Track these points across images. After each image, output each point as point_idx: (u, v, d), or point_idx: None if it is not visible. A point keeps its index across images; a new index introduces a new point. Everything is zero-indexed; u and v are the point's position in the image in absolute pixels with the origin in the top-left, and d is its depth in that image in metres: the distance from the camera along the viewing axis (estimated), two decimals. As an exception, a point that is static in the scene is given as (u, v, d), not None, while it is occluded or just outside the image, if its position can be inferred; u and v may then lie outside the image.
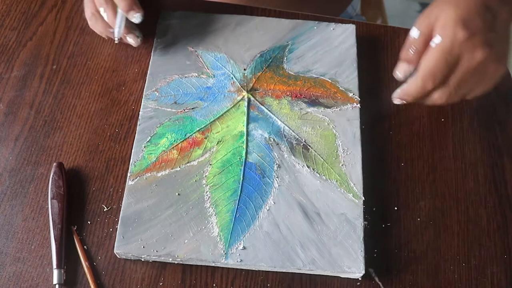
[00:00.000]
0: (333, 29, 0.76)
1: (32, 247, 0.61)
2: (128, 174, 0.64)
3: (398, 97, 0.66)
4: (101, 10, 0.71)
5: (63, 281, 0.59)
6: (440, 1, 0.64)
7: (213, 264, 0.60)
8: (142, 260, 0.60)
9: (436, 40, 0.61)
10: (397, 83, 0.75)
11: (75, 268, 0.60)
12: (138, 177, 0.64)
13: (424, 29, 0.63)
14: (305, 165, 0.66)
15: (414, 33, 0.63)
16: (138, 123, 0.68)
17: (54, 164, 0.65)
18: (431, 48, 0.62)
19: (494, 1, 0.62)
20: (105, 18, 0.71)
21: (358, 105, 0.70)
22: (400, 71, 0.65)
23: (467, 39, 0.60)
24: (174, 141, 0.67)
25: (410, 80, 0.64)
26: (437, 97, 0.64)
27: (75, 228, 0.62)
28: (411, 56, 0.64)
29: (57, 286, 0.59)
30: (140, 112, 0.69)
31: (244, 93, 0.71)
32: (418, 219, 0.65)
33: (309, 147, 0.67)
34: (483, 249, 0.64)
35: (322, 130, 0.68)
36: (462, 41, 0.60)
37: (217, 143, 0.67)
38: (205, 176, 0.64)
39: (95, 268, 0.60)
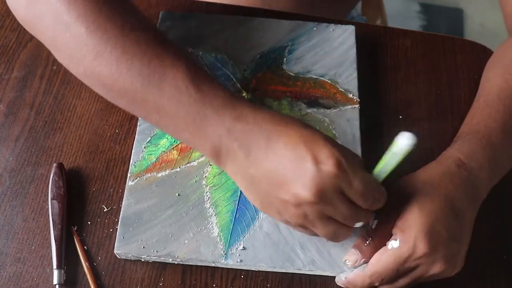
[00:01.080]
0: (332, 30, 0.77)
1: (32, 247, 0.61)
2: (128, 175, 0.64)
3: (342, 284, 0.59)
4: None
5: (63, 281, 0.59)
6: (404, 187, 0.57)
7: (213, 265, 0.60)
8: (142, 260, 0.61)
9: (394, 244, 0.54)
10: (396, 85, 0.75)
11: (75, 269, 0.60)
12: (138, 178, 0.64)
13: (383, 220, 0.57)
14: (305, 165, 0.66)
15: (373, 222, 0.57)
16: (138, 124, 0.68)
17: (54, 164, 0.65)
18: (386, 250, 0.55)
19: (463, 200, 0.56)
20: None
21: (358, 106, 0.70)
22: (350, 260, 0.57)
23: (427, 255, 0.53)
24: (174, 141, 0.67)
25: (357, 271, 0.57)
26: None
27: (75, 229, 0.62)
28: (365, 248, 0.57)
29: (57, 286, 0.59)
30: (140, 113, 0.69)
31: (244, 94, 0.71)
32: (418, 219, 0.65)
33: (309, 147, 0.67)
34: (483, 251, 0.64)
35: (322, 130, 0.68)
36: (420, 256, 0.53)
37: (217, 143, 0.67)
38: (205, 176, 0.65)
39: (95, 268, 0.60)
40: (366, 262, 0.57)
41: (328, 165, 0.49)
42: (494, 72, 0.68)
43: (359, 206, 0.52)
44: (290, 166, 0.50)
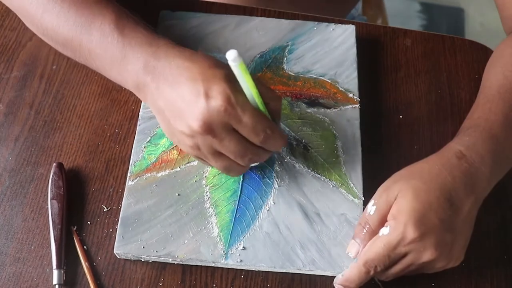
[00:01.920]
0: (332, 29, 0.76)
1: (32, 247, 0.61)
2: (128, 175, 0.64)
3: (340, 283, 0.58)
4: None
5: (63, 281, 0.59)
6: (404, 174, 0.59)
7: (213, 265, 0.60)
8: (142, 260, 0.61)
9: (384, 231, 0.55)
10: (396, 85, 0.75)
11: (75, 269, 0.60)
12: (138, 178, 0.64)
13: (381, 206, 0.57)
14: (305, 165, 0.66)
15: (371, 208, 0.57)
16: (138, 124, 0.68)
17: (54, 164, 0.65)
18: (378, 237, 0.56)
19: (460, 192, 0.56)
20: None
21: (358, 105, 0.70)
22: (352, 251, 0.58)
23: (416, 241, 0.54)
24: (174, 141, 0.67)
25: (352, 263, 0.57)
26: (381, 276, 0.59)
27: (75, 229, 0.62)
28: (364, 235, 0.57)
29: (57, 286, 0.59)
30: (140, 113, 0.69)
31: (244, 93, 0.71)
32: (418, 219, 0.65)
33: (309, 147, 0.67)
34: (483, 250, 0.64)
35: (322, 130, 0.68)
36: (410, 242, 0.54)
37: (217, 143, 0.67)
38: (205, 176, 0.64)
39: (95, 268, 0.60)
40: None
41: (217, 99, 0.53)
42: (494, 70, 0.68)
43: (251, 142, 0.56)
44: (187, 99, 0.55)
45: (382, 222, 0.57)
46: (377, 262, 0.55)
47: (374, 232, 0.57)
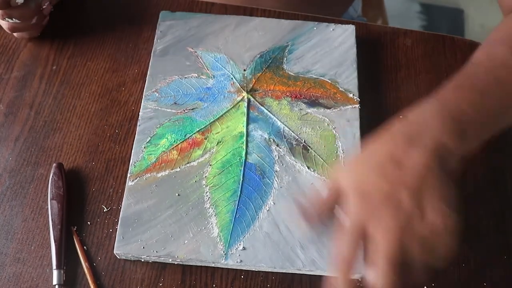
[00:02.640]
0: (332, 29, 0.77)
1: (32, 247, 0.61)
2: (128, 175, 0.64)
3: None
4: None
5: (63, 281, 0.59)
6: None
7: (213, 265, 0.60)
8: (142, 260, 0.60)
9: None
10: (396, 85, 0.75)
11: (75, 269, 0.60)
12: (138, 178, 0.64)
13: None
14: (305, 165, 0.66)
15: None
16: (138, 124, 0.68)
17: (54, 164, 0.65)
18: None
19: (399, 149, 0.53)
20: None
21: (358, 105, 0.70)
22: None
23: (360, 203, 0.51)
24: (174, 141, 0.67)
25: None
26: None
27: (75, 229, 0.62)
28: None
29: (56, 286, 0.59)
30: (140, 113, 0.69)
31: (244, 93, 0.71)
32: (418, 219, 0.65)
33: (309, 147, 0.67)
34: (483, 250, 0.64)
35: (322, 130, 0.68)
36: (355, 208, 0.51)
37: (217, 143, 0.67)
38: (205, 176, 0.64)
39: (95, 268, 0.60)
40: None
41: None
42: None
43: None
44: None
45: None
46: (346, 253, 0.50)
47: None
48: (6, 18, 0.69)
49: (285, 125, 0.68)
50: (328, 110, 0.70)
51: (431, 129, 0.53)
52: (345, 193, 0.53)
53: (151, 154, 0.66)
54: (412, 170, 0.51)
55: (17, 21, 0.70)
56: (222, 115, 0.69)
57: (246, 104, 0.70)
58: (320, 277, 0.61)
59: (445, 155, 0.52)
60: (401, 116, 0.55)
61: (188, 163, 0.65)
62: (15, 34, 0.74)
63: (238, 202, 0.63)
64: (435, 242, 0.49)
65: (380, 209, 0.50)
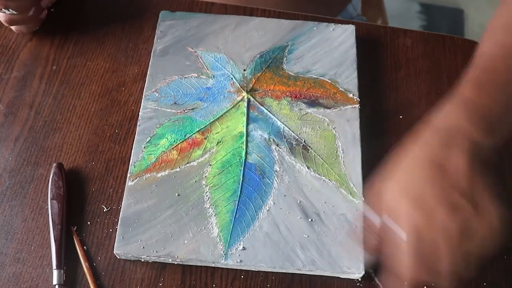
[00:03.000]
0: (332, 29, 0.77)
1: (32, 247, 0.61)
2: (128, 175, 0.64)
3: None
4: None
5: (63, 281, 0.59)
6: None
7: (213, 265, 0.60)
8: (142, 260, 0.60)
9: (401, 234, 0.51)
10: (396, 85, 0.75)
11: (74, 269, 0.60)
12: (138, 178, 0.64)
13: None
14: (305, 165, 0.66)
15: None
16: (138, 124, 0.68)
17: (54, 164, 0.65)
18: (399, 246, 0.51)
19: (438, 153, 0.53)
20: None
21: (358, 105, 0.70)
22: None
23: (416, 209, 0.50)
24: (174, 141, 0.67)
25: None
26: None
27: (75, 229, 0.62)
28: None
29: (56, 286, 0.59)
30: (140, 113, 0.69)
31: (244, 93, 0.71)
32: (418, 219, 0.65)
33: (308, 147, 0.67)
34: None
35: (322, 130, 0.68)
36: (407, 216, 0.50)
37: (217, 143, 0.67)
38: (205, 176, 0.64)
39: (95, 268, 0.60)
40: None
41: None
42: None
43: None
44: None
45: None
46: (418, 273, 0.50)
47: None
48: (3, 10, 0.69)
49: (285, 125, 0.68)
50: (328, 110, 0.70)
51: (462, 131, 0.53)
52: (393, 204, 0.52)
53: (151, 154, 0.66)
54: (457, 173, 0.51)
55: (14, 12, 0.70)
56: (222, 115, 0.69)
57: (246, 104, 0.70)
58: (320, 277, 0.61)
59: (481, 153, 0.53)
60: (425, 122, 0.55)
61: (188, 163, 0.65)
62: (13, 28, 0.74)
63: (238, 202, 0.63)
64: (492, 239, 0.50)
65: (437, 213, 0.50)
